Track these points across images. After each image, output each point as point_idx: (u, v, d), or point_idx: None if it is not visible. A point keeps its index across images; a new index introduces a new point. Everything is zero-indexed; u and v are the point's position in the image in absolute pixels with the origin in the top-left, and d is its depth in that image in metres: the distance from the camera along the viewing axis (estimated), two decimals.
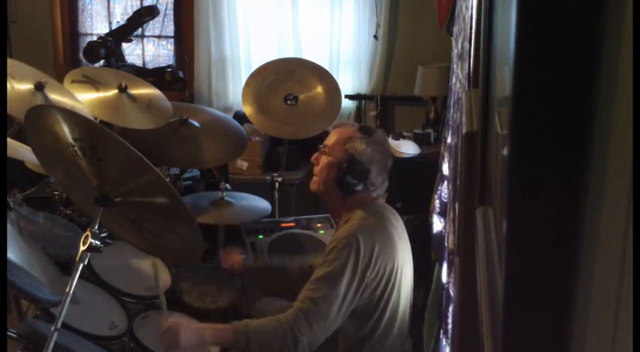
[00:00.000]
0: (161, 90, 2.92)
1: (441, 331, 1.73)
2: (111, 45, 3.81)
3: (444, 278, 1.77)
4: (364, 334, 1.97)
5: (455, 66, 2.28)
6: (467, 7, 1.73)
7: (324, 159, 2.08)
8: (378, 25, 4.19)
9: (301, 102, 3.11)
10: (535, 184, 0.54)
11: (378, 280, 1.93)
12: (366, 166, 2.00)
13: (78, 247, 1.70)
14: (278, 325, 1.82)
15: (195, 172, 3.77)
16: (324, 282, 1.86)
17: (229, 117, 3.49)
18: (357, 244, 1.88)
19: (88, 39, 4.59)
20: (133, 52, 4.71)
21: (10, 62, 2.43)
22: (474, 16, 1.38)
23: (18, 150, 2.24)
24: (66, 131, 1.65)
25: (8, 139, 2.27)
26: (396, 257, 1.98)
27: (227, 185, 2.90)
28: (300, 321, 1.81)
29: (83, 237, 1.70)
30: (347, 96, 4.20)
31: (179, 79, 4.10)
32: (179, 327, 1.83)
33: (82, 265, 1.69)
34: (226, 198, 2.87)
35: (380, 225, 1.99)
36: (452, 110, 2.20)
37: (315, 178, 2.13)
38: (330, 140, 2.09)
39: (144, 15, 3.99)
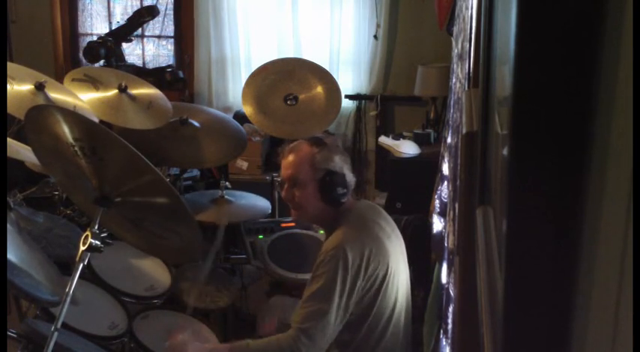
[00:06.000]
0: (161, 90, 2.92)
1: (441, 331, 1.73)
2: (111, 45, 3.80)
3: (444, 279, 1.77)
4: (360, 338, 1.97)
5: (455, 66, 2.28)
6: (467, 7, 1.73)
7: (298, 191, 2.02)
8: (378, 25, 4.19)
9: (301, 102, 3.11)
10: (535, 184, 0.54)
11: (370, 286, 1.93)
12: (340, 172, 2.01)
13: (78, 247, 1.70)
14: (278, 344, 1.85)
15: (195, 172, 3.77)
16: (317, 299, 1.87)
17: (229, 117, 3.49)
18: (343, 255, 1.87)
19: (88, 39, 4.60)
20: (133, 52, 4.71)
21: (10, 65, 2.43)
22: (474, 16, 1.38)
23: (18, 150, 2.24)
24: (66, 131, 1.65)
25: (8, 139, 2.27)
26: (388, 259, 1.96)
27: (227, 183, 2.90)
28: (299, 340, 1.84)
29: (83, 237, 1.70)
30: (347, 96, 4.20)
31: (179, 79, 4.10)
32: (185, 346, 1.89)
33: (82, 265, 1.69)
34: (226, 197, 2.87)
35: (365, 230, 1.98)
36: (452, 110, 2.20)
37: (296, 212, 2.09)
38: (293, 169, 2.03)
39: (144, 15, 3.99)
